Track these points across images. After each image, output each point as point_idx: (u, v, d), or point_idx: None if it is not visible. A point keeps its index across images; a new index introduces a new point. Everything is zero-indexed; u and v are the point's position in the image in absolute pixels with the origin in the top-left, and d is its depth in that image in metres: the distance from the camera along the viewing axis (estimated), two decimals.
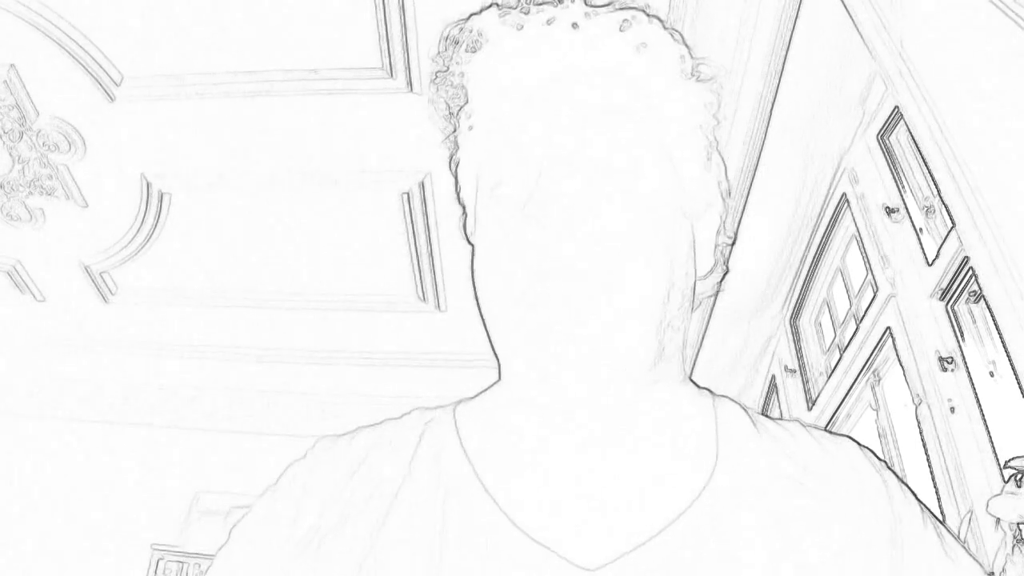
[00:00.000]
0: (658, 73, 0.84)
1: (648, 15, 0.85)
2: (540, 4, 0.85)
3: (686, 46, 0.86)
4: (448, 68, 0.88)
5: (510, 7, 0.85)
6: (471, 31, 0.86)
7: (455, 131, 0.90)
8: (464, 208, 0.92)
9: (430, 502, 0.78)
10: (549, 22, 0.84)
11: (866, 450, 0.85)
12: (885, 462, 0.84)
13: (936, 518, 0.82)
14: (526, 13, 0.85)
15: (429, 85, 0.90)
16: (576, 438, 0.80)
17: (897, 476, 0.84)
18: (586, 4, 0.85)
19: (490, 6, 0.86)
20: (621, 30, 0.84)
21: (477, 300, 0.85)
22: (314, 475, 0.85)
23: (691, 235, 0.85)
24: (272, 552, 0.81)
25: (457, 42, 0.87)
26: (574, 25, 0.83)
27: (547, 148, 0.80)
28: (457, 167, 0.91)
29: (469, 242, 0.91)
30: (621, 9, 0.85)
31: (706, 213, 0.88)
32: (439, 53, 0.88)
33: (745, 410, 0.86)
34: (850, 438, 0.86)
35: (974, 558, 0.81)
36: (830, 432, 0.86)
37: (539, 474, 0.80)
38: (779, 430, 0.85)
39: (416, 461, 0.82)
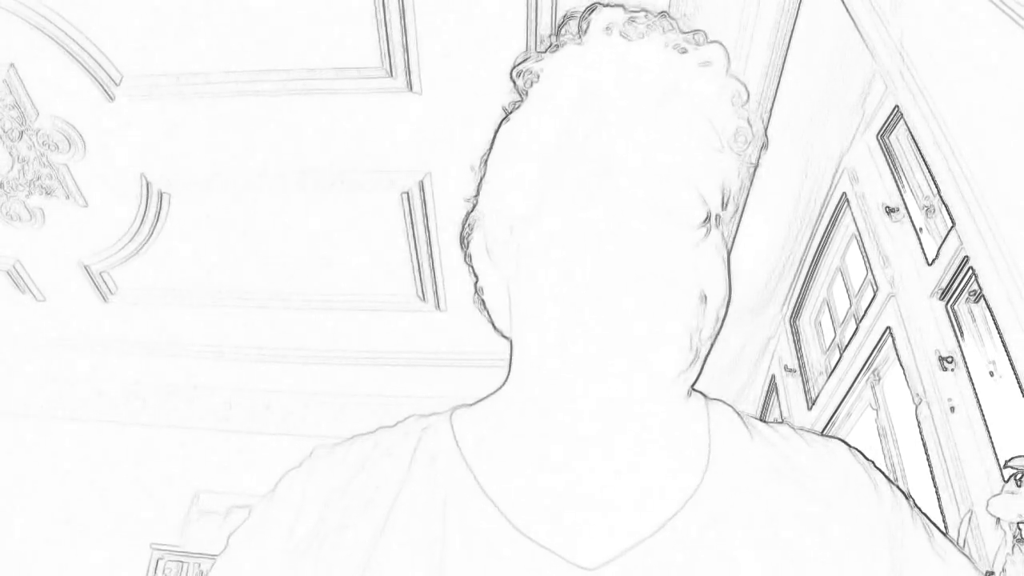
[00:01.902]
0: (730, 139, 0.87)
1: (748, 93, 0.89)
2: (668, 26, 0.88)
3: (751, 129, 0.88)
4: (558, 46, 0.89)
5: (637, 17, 0.88)
6: (591, 19, 0.88)
7: (520, 102, 0.90)
8: (485, 167, 0.91)
9: (429, 506, 0.79)
10: (678, 49, 0.88)
11: (855, 451, 0.86)
12: (873, 462, 0.85)
13: (926, 517, 0.83)
14: (652, 28, 0.88)
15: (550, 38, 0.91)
16: (579, 439, 0.81)
17: (886, 476, 0.84)
18: (727, 57, 0.88)
19: (616, 6, 0.88)
20: (723, 90, 0.88)
21: (519, 279, 0.84)
22: (312, 481, 0.85)
23: (727, 259, 0.87)
24: (271, 558, 0.82)
25: (572, 24, 0.89)
26: (704, 64, 0.88)
27: (667, 157, 0.82)
28: (510, 133, 0.90)
29: (475, 199, 0.90)
30: (733, 78, 0.89)
31: None
32: (565, 23, 0.90)
33: (737, 413, 0.87)
34: (840, 439, 0.87)
35: (966, 556, 0.81)
36: (819, 435, 0.87)
37: (538, 475, 0.80)
38: (771, 433, 0.86)
39: (414, 466, 0.83)
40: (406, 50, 2.77)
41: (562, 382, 0.81)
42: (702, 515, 0.77)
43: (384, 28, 2.71)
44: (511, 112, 0.90)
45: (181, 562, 4.30)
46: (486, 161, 0.91)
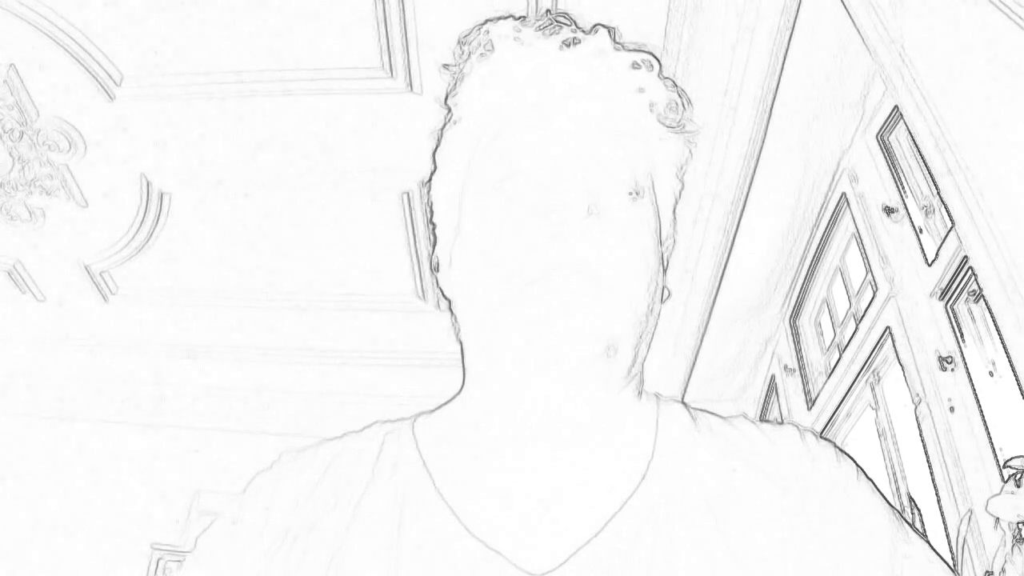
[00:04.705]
0: (652, 116, 0.89)
1: (658, 62, 0.90)
2: (557, 25, 0.89)
3: (680, 97, 0.89)
4: (461, 65, 0.92)
5: (527, 22, 0.89)
6: (485, 36, 0.91)
7: (445, 126, 0.94)
8: (431, 194, 0.94)
9: (390, 510, 0.81)
10: (568, 44, 0.88)
11: (807, 434, 0.88)
12: (833, 442, 0.88)
13: (874, 484, 0.85)
14: (543, 30, 0.89)
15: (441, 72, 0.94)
16: (529, 441, 0.83)
17: (838, 447, 0.87)
18: (613, 40, 0.89)
19: (507, 17, 0.90)
20: (633, 68, 0.88)
21: (454, 288, 0.87)
22: (281, 483, 0.88)
23: (664, 262, 0.89)
24: (242, 559, 0.84)
25: (471, 45, 0.91)
26: (598, 52, 0.88)
27: (554, 154, 0.83)
28: (439, 157, 0.94)
29: (432, 223, 0.93)
30: (635, 51, 0.89)
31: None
32: (457, 48, 0.92)
33: (688, 410, 0.89)
34: (793, 425, 0.89)
35: (918, 531, 0.83)
36: (773, 423, 0.89)
37: (491, 479, 0.82)
38: (722, 425, 0.88)
39: (377, 471, 0.85)
40: (406, 50, 2.77)
41: (510, 383, 0.83)
42: (640, 514, 0.79)
43: (384, 28, 2.71)
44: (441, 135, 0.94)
45: (181, 562, 4.30)
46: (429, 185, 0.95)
